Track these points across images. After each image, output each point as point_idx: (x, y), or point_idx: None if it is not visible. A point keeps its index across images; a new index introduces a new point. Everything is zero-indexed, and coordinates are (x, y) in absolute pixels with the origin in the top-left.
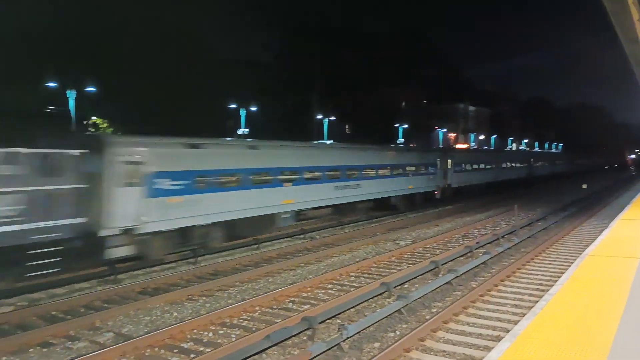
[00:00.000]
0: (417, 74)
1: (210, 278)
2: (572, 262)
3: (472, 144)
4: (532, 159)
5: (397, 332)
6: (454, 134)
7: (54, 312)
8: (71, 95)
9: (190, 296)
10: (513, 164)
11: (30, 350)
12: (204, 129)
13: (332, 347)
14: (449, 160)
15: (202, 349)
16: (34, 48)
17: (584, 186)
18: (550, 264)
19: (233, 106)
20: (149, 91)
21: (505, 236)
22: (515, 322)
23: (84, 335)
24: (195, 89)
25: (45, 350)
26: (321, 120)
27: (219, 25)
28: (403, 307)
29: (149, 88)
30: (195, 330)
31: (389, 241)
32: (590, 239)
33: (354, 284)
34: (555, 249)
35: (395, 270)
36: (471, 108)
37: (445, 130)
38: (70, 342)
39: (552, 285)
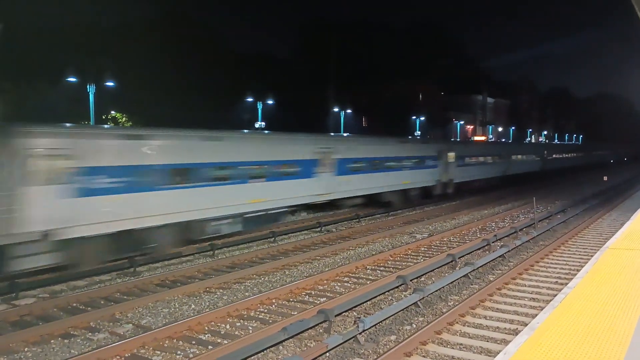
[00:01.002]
0: (434, 65)
1: (228, 271)
2: (592, 255)
3: (490, 136)
4: (444, 152)
5: (414, 325)
6: (472, 126)
7: (74, 304)
8: (91, 90)
9: (207, 288)
10: (386, 163)
11: (52, 341)
12: (221, 122)
13: (348, 340)
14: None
15: (219, 340)
16: (54, 43)
17: (605, 178)
18: (569, 257)
19: (250, 99)
20: (166, 85)
21: (524, 229)
22: (534, 316)
23: (104, 326)
24: (212, 83)
25: (66, 341)
26: (338, 113)
27: (236, 20)
28: (419, 300)
29: (167, 82)
30: (212, 322)
31: (406, 234)
32: (610, 232)
33: (370, 277)
34: (575, 242)
35: (411, 264)
36: (489, 99)
37: (462, 122)
38: (90, 334)
39: (572, 278)
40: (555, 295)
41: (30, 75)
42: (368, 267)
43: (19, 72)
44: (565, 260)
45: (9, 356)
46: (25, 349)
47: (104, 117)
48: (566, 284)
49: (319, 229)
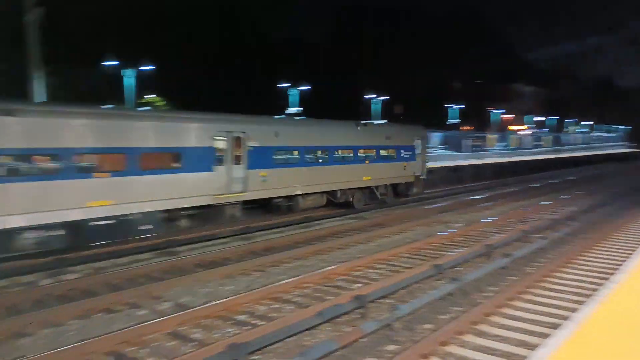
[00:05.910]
0: (472, 53)
1: (263, 254)
2: (637, 249)
3: (533, 126)
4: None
5: (450, 315)
6: (511, 115)
7: (117, 281)
8: (128, 73)
9: (244, 270)
10: None
11: (95, 315)
12: (256, 107)
13: (383, 327)
14: None
15: (255, 321)
16: (95, 27)
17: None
18: (613, 250)
19: (284, 85)
20: (203, 69)
21: (564, 221)
22: (574, 310)
23: (144, 303)
24: (248, 68)
25: (108, 316)
26: (369, 100)
27: (272, 5)
28: (456, 289)
29: (203, 66)
30: (248, 304)
31: (441, 223)
32: None
33: (405, 265)
34: (617, 236)
35: (447, 253)
36: (527, 88)
37: (503, 110)
38: (131, 309)
39: (616, 272)
40: (599, 289)
41: (71, 58)
42: (403, 254)
43: (60, 55)
44: (608, 254)
45: (55, 328)
46: (70, 322)
47: (141, 101)
48: (610, 278)
49: (353, 215)
